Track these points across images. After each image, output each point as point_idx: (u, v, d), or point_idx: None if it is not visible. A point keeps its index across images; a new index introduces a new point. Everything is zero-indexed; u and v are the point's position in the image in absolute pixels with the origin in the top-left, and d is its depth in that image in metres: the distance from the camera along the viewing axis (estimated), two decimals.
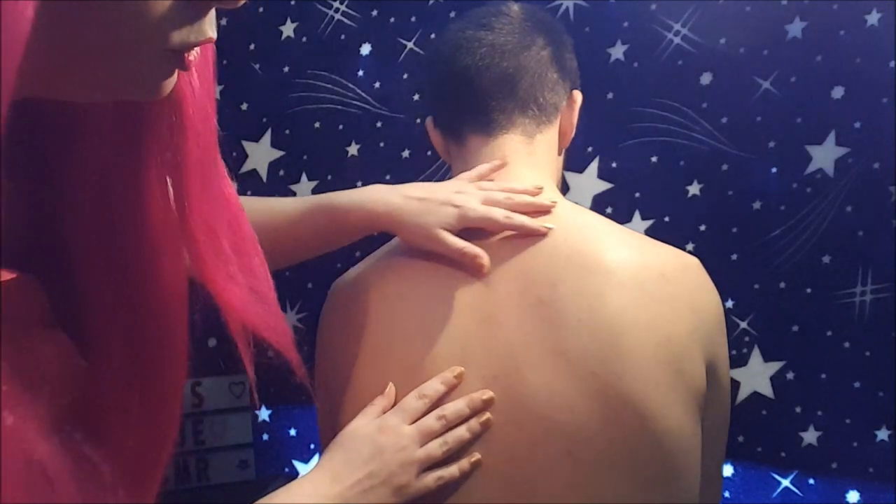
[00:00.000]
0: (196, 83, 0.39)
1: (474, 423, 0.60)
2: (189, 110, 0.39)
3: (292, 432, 1.19)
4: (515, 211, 0.65)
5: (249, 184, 1.20)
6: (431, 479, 0.60)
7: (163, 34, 0.31)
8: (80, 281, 0.41)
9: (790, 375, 0.99)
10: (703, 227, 1.01)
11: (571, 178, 1.05)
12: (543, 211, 0.66)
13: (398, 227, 0.67)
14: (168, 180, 0.41)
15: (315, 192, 1.17)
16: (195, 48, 0.34)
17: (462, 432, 0.60)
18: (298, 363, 0.52)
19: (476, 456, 0.60)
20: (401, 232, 0.67)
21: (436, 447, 0.60)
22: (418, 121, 1.11)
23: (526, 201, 0.66)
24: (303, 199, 0.72)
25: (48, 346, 0.39)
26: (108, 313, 0.41)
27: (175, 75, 0.35)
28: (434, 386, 0.61)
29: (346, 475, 0.58)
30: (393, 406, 0.63)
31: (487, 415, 0.60)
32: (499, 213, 0.64)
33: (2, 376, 0.30)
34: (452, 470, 0.60)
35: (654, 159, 1.02)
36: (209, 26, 0.33)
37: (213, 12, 0.34)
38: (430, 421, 0.61)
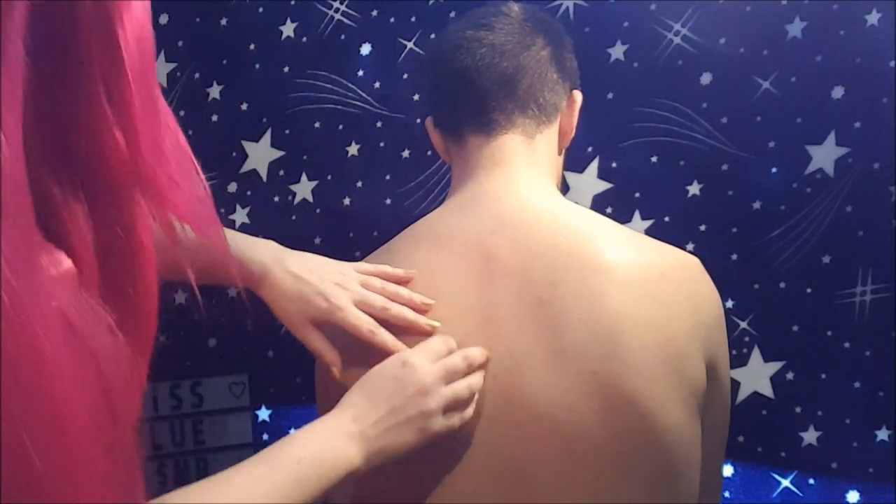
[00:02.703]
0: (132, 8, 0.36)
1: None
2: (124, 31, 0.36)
3: (292, 432, 1.19)
4: (390, 321, 0.63)
5: (249, 184, 1.20)
6: (456, 419, 0.58)
7: None
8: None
9: (790, 375, 0.99)
10: (703, 227, 1.01)
11: (571, 178, 1.05)
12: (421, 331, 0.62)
13: (269, 301, 0.66)
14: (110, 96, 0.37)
15: (315, 191, 1.18)
16: None
17: (478, 378, 0.59)
18: (226, 255, 0.48)
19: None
20: (272, 306, 0.66)
21: (463, 387, 0.58)
22: (418, 121, 1.11)
23: (403, 316, 0.63)
24: None
25: None
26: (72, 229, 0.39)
27: None
28: (451, 341, 0.61)
29: (368, 413, 0.57)
30: None
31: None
32: (365, 328, 0.62)
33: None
34: (468, 410, 0.59)
35: (654, 159, 1.02)
36: None
37: None
38: (456, 359, 0.59)
